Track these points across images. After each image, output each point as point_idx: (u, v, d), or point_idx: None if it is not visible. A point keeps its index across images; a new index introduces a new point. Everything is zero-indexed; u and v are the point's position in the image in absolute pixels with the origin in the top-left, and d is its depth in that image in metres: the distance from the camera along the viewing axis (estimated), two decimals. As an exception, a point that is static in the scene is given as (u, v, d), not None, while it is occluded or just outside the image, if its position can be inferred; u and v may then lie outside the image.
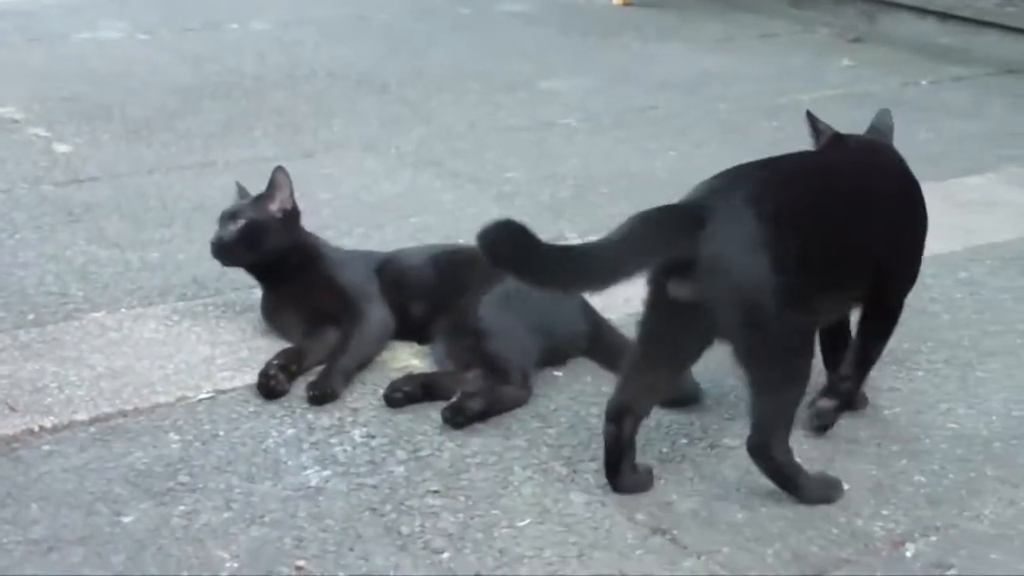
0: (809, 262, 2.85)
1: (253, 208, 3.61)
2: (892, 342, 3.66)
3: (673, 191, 4.56)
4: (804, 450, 3.13)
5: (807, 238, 2.86)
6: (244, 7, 7.90)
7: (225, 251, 3.61)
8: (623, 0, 8.59)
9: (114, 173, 4.91)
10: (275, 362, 3.39)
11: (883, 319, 3.33)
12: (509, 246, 2.74)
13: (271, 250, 3.60)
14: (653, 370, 2.97)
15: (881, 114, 3.53)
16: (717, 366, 3.51)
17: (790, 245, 2.81)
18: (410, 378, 3.35)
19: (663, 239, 2.82)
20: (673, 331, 2.92)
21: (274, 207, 3.60)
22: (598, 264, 2.80)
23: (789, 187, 2.98)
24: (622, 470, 2.96)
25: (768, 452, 2.91)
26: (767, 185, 2.93)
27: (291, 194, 3.63)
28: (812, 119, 3.44)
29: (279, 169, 3.63)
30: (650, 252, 2.82)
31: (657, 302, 2.90)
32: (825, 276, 2.94)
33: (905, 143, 5.51)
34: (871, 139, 3.44)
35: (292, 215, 3.64)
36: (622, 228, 2.79)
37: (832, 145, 3.35)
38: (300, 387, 3.34)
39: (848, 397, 3.32)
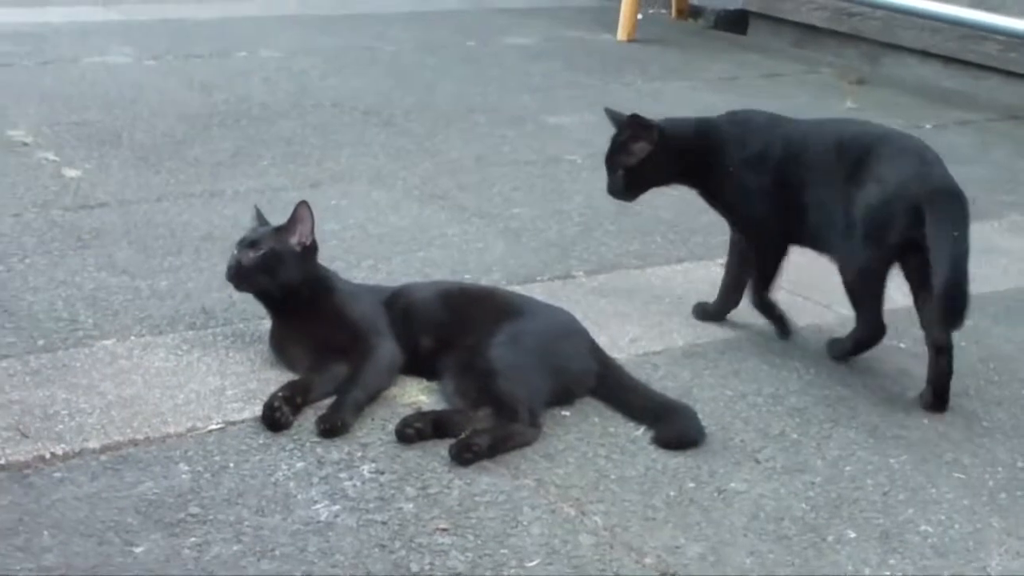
0: None
1: (273, 238, 3.63)
2: (896, 389, 3.73)
3: (677, 230, 4.60)
4: (810, 497, 3.15)
5: None
6: (252, 35, 7.93)
7: (241, 276, 3.62)
8: (628, 37, 8.63)
9: (123, 199, 4.92)
10: (280, 394, 3.40)
11: None
12: None
13: (285, 282, 3.61)
14: None
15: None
16: (724, 410, 3.56)
17: None
18: (421, 415, 3.37)
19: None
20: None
21: (294, 240, 3.62)
22: None
23: None
24: None
25: None
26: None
27: (312, 229, 3.65)
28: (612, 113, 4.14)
29: (303, 204, 3.64)
30: None
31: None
32: None
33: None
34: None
35: (310, 250, 3.66)
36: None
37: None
38: (309, 420, 3.36)
39: None
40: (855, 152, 3.76)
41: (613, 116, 4.12)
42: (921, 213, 3.57)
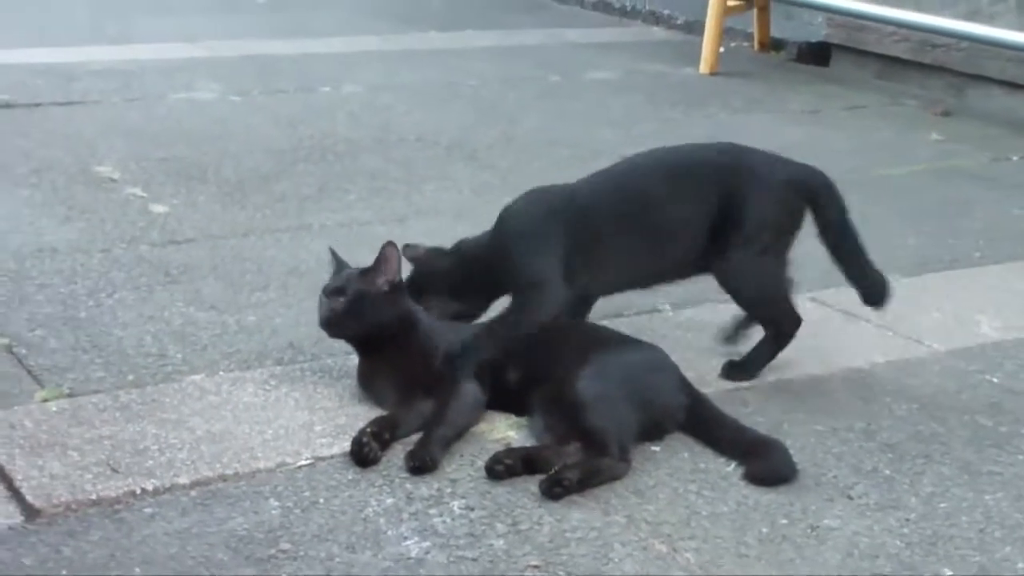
0: None
1: (360, 280, 3.63)
2: (989, 425, 3.68)
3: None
4: (904, 534, 3.11)
5: None
6: (335, 71, 7.97)
7: (335, 323, 3.63)
8: (710, 70, 8.61)
9: (210, 235, 4.95)
10: (369, 430, 3.40)
11: None
12: None
13: (376, 323, 3.62)
14: None
15: None
16: (815, 446, 3.52)
17: None
18: (511, 451, 3.36)
19: None
20: None
21: (381, 280, 3.63)
22: None
23: None
24: None
25: None
26: None
27: (399, 269, 3.65)
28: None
29: (390, 244, 3.65)
30: None
31: None
32: None
33: (996, 220, 5.51)
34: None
35: (398, 288, 3.66)
36: None
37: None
38: (399, 456, 3.35)
39: None
40: (700, 173, 3.93)
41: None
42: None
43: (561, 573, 2.90)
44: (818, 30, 9.21)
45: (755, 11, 9.22)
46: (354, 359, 3.75)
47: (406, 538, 3.01)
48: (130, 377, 3.75)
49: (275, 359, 3.91)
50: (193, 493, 3.16)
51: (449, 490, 3.22)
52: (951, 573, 2.97)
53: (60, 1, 9.76)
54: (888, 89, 8.41)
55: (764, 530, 3.10)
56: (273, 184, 5.62)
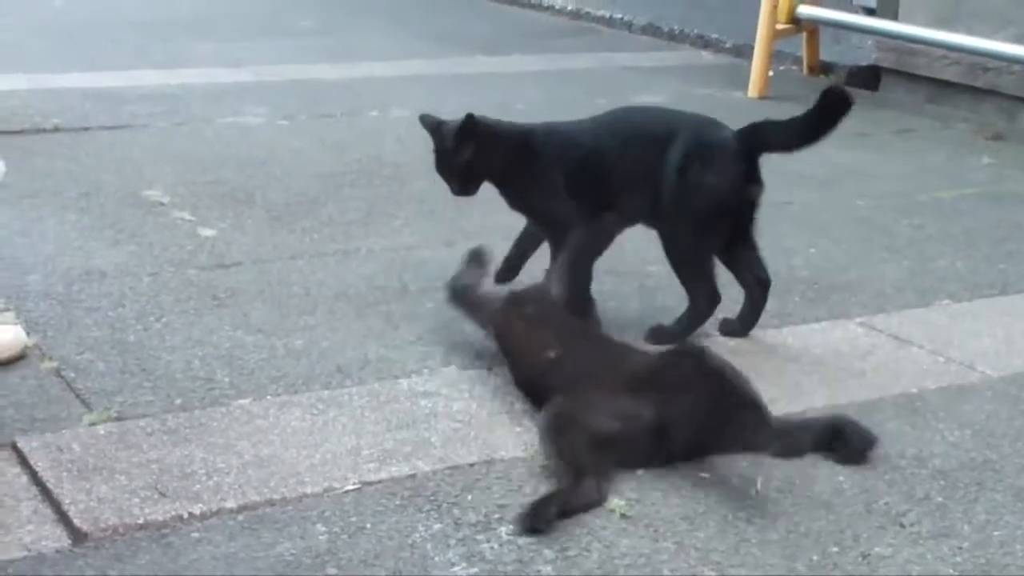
0: None
1: None
2: (1045, 452, 3.64)
3: (815, 288, 4.54)
4: (958, 563, 3.08)
5: None
6: (382, 95, 7.98)
7: None
8: (759, 94, 8.58)
9: (257, 258, 4.95)
10: None
11: None
12: None
13: None
14: None
15: None
16: (867, 472, 3.48)
17: None
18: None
19: None
20: None
21: None
22: None
23: None
24: None
25: None
26: None
27: None
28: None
29: None
30: None
31: None
32: None
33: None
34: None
35: None
36: None
37: None
38: (436, 480, 3.34)
39: None
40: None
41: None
42: None
43: (610, 600, 2.88)
44: (868, 54, 9.17)
45: (804, 35, 9.18)
46: (401, 384, 3.76)
47: (453, 564, 2.99)
48: (178, 401, 3.75)
49: (322, 383, 3.90)
50: (240, 517, 3.15)
51: (497, 516, 3.20)
52: (1006, 603, 2.93)
53: (108, 26, 9.83)
54: (939, 113, 8.35)
55: (815, 558, 3.07)
56: (320, 208, 5.62)
